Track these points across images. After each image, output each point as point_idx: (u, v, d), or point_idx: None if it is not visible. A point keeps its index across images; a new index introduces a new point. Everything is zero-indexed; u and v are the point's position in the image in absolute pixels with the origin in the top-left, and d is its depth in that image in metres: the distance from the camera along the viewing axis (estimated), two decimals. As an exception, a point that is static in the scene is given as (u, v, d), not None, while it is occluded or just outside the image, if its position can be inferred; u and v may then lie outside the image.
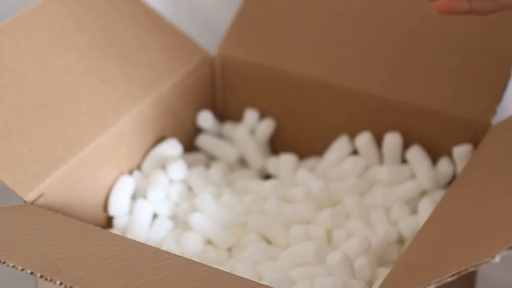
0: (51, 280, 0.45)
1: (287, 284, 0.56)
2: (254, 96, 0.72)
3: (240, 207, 0.63)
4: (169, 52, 0.69)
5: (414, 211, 0.64)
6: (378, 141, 0.67)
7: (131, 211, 0.64)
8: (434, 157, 0.66)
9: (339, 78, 0.67)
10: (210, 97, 0.73)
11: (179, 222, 0.64)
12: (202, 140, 0.71)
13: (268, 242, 0.62)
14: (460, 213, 0.52)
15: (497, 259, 0.42)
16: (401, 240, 0.62)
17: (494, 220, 0.47)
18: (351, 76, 0.67)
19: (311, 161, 0.70)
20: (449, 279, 0.43)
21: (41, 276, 0.45)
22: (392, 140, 0.66)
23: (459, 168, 0.64)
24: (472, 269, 0.43)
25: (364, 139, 0.67)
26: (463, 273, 0.43)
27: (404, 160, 0.67)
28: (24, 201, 0.57)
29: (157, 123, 0.67)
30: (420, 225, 0.59)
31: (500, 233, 0.44)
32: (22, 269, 0.46)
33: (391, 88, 0.66)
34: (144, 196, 0.65)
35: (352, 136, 0.68)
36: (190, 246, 0.61)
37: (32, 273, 0.45)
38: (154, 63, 0.68)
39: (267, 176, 0.71)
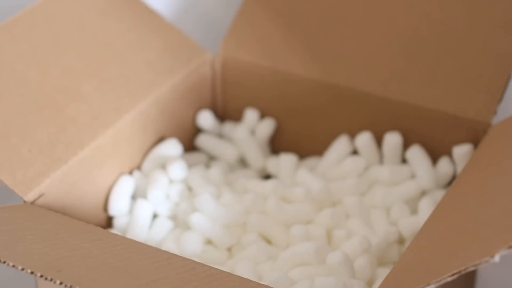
0: (51, 279, 0.45)
1: (287, 284, 0.56)
2: (254, 96, 0.72)
3: (240, 207, 0.63)
4: (169, 52, 0.69)
5: (414, 211, 0.64)
6: (378, 141, 0.67)
7: (131, 211, 0.64)
8: (434, 157, 0.66)
9: (339, 78, 0.67)
10: (210, 97, 0.73)
11: (179, 222, 0.64)
12: (202, 140, 0.71)
13: (268, 242, 0.62)
14: (460, 213, 0.52)
15: (497, 258, 0.42)
16: (401, 240, 0.62)
17: (494, 220, 0.47)
18: (351, 76, 0.67)
19: (311, 161, 0.70)
20: (449, 279, 0.43)
21: (41, 276, 0.45)
22: (392, 140, 0.66)
23: (459, 168, 0.64)
24: (472, 268, 0.43)
25: (364, 139, 0.67)
26: (463, 272, 0.43)
27: (404, 160, 0.67)
28: (24, 201, 0.57)
29: (157, 123, 0.67)
30: (420, 225, 0.59)
31: (500, 233, 0.44)
32: (22, 269, 0.46)
33: (391, 88, 0.66)
34: (144, 196, 0.65)
35: (352, 136, 0.68)
36: (190, 246, 0.61)
37: (32, 272, 0.46)
38: (154, 63, 0.68)
39: (267, 176, 0.71)
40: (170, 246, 0.61)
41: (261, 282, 0.52)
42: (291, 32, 0.70)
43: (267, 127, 0.71)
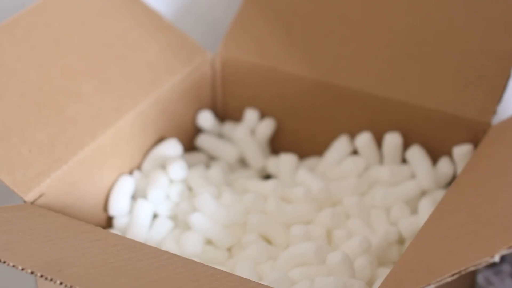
0: (51, 279, 0.45)
1: (287, 284, 0.56)
2: (254, 96, 0.72)
3: (240, 207, 0.63)
4: (169, 52, 0.69)
5: (414, 211, 0.64)
6: (378, 141, 0.67)
7: (131, 211, 0.64)
8: (434, 157, 0.66)
9: (339, 78, 0.67)
10: (210, 97, 0.73)
11: (179, 222, 0.64)
12: (202, 140, 0.71)
13: (268, 242, 0.62)
14: (460, 213, 0.52)
15: (497, 258, 0.42)
16: (401, 240, 0.62)
17: (494, 220, 0.47)
18: (351, 76, 0.67)
19: (311, 161, 0.70)
20: (449, 279, 0.43)
21: (41, 276, 0.45)
22: (392, 140, 0.66)
23: (459, 168, 0.64)
24: (472, 269, 0.43)
25: (364, 139, 0.67)
26: (463, 272, 0.43)
27: (404, 160, 0.67)
28: (24, 201, 0.57)
29: (157, 123, 0.67)
30: (420, 225, 0.60)
31: (500, 233, 0.44)
32: (22, 269, 0.46)
33: (391, 88, 0.66)
34: (144, 196, 0.65)
35: (352, 136, 0.69)
36: (190, 246, 0.61)
37: (32, 272, 0.46)
38: (154, 63, 0.68)
39: (267, 176, 0.71)
40: (170, 246, 0.61)
41: (261, 282, 0.52)
42: (290, 32, 0.70)
43: (267, 127, 0.71)
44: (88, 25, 0.66)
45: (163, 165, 0.67)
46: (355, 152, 0.68)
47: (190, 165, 0.68)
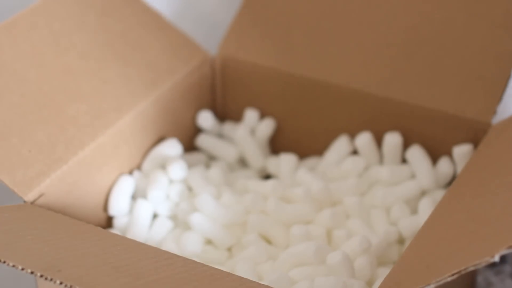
0: (51, 279, 0.45)
1: (287, 284, 0.56)
2: (254, 96, 0.72)
3: (240, 207, 0.63)
4: (169, 52, 0.69)
5: (414, 211, 0.64)
6: (378, 141, 0.67)
7: (131, 211, 0.64)
8: (434, 157, 0.66)
9: (339, 78, 0.67)
10: (210, 97, 0.73)
11: (179, 222, 0.64)
12: (202, 140, 0.71)
13: (268, 242, 0.62)
14: (460, 213, 0.52)
15: (497, 258, 0.42)
16: (401, 240, 0.62)
17: (494, 220, 0.47)
18: (351, 76, 0.67)
19: (311, 161, 0.70)
20: (449, 279, 0.43)
21: (41, 276, 0.45)
22: (392, 140, 0.66)
23: (459, 168, 0.64)
24: (472, 268, 0.43)
25: (364, 139, 0.67)
26: (463, 272, 0.43)
27: (404, 160, 0.67)
28: (24, 201, 0.57)
29: (157, 123, 0.67)
30: (420, 225, 0.60)
31: (500, 233, 0.44)
32: (22, 269, 0.46)
33: (391, 88, 0.66)
34: (144, 196, 0.65)
35: (352, 136, 0.69)
36: (190, 246, 0.61)
37: (32, 272, 0.46)
38: (154, 63, 0.68)
39: (267, 176, 0.71)
40: (170, 246, 0.61)
41: (261, 282, 0.52)
42: (291, 32, 0.70)
43: (267, 127, 0.71)
44: (88, 25, 0.66)
45: (163, 165, 0.67)
46: (355, 152, 0.68)
47: (190, 165, 0.68)
